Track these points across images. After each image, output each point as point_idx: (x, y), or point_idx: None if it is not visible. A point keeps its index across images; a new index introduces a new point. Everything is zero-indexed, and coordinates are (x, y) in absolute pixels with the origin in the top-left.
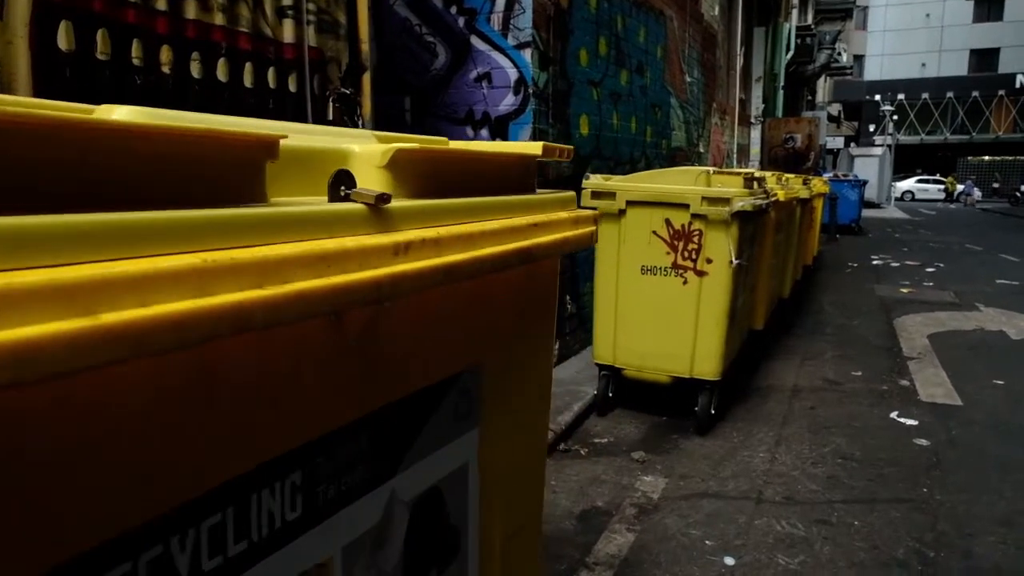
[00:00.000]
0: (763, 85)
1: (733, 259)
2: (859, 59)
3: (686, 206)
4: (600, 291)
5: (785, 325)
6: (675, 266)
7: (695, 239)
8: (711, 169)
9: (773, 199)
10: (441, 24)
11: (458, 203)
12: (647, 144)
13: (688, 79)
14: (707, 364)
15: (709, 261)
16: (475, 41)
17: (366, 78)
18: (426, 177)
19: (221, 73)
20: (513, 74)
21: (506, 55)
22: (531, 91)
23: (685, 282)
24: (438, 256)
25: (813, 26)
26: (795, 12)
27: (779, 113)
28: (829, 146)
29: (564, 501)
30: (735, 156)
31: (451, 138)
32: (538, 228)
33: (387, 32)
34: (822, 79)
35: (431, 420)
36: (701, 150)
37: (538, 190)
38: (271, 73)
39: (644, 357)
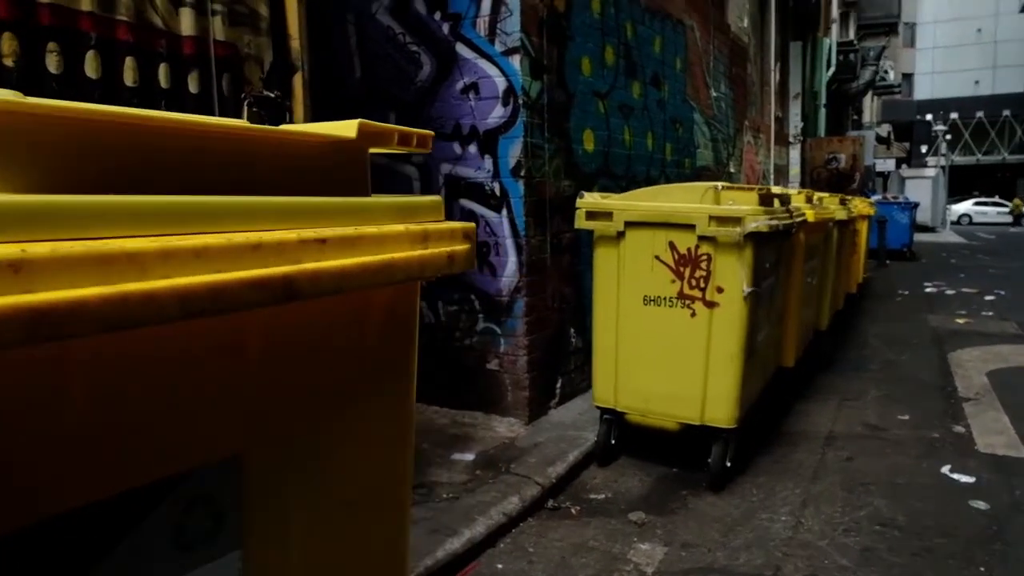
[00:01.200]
0: (802, 103)
1: (746, 288)
2: (908, 78)
3: (691, 227)
4: (599, 324)
5: (823, 361)
6: (681, 296)
7: (703, 265)
8: (719, 185)
9: (799, 219)
10: (425, 31)
11: (117, 202)
12: (667, 162)
13: (714, 94)
14: (720, 409)
15: (720, 290)
16: (460, 48)
17: (298, 80)
18: (82, 158)
19: (90, 68)
20: (501, 83)
21: (493, 63)
22: (521, 101)
23: (693, 314)
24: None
25: (856, 42)
26: (835, 27)
27: (821, 133)
28: (879, 168)
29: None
30: (772, 177)
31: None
32: (327, 246)
33: (368, 41)
34: (869, 98)
35: (119, 549)
36: (732, 170)
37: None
38: (163, 70)
39: (649, 400)
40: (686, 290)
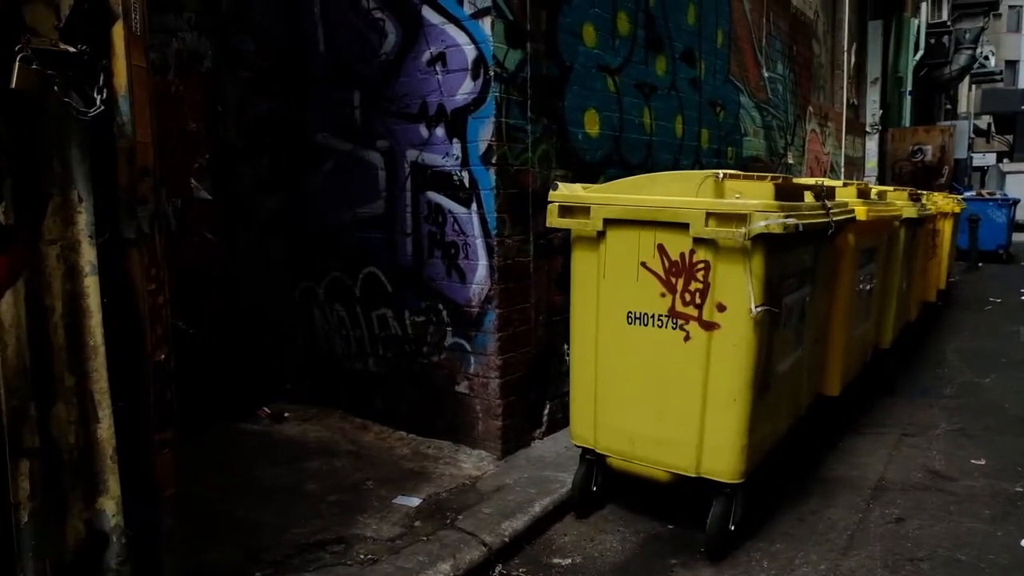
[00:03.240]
0: (883, 89)
1: (754, 306)
2: (1012, 65)
3: (684, 226)
4: (576, 346)
5: (884, 384)
6: (673, 314)
7: (699, 275)
8: (721, 172)
9: (843, 217)
10: None
11: None
12: (702, 151)
13: (767, 74)
14: (720, 460)
15: (721, 308)
16: (427, 13)
17: (118, 31)
18: None
19: None
20: (470, 52)
21: (462, 28)
22: (492, 74)
23: (687, 337)
24: None
25: (949, 23)
26: (925, 6)
27: (906, 122)
28: (976, 163)
29: None
30: (842, 170)
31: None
32: None
33: (333, 9)
34: (965, 86)
35: None
36: (791, 161)
37: None
38: None
39: (633, 442)
40: (678, 307)
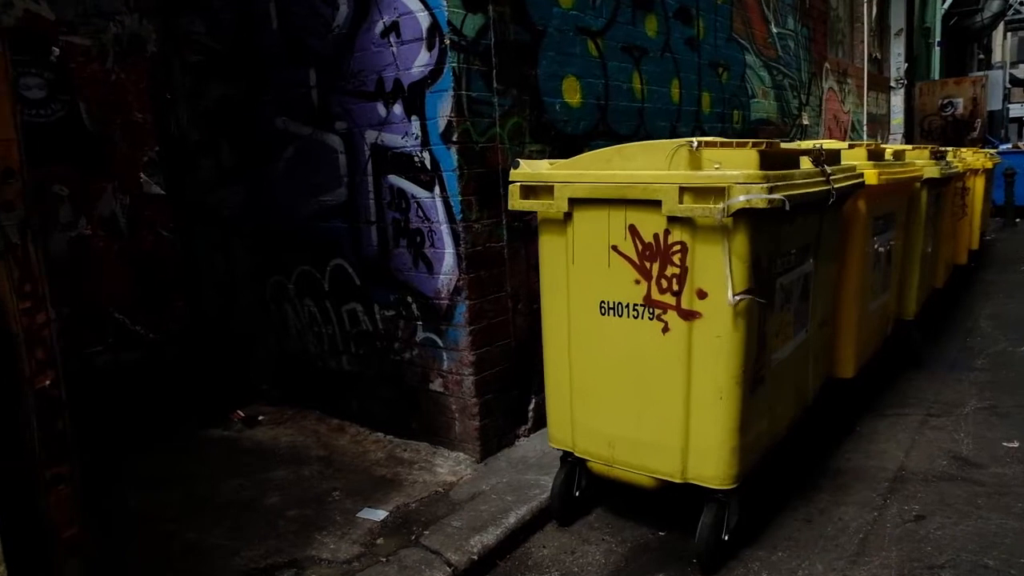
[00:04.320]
0: (908, 41)
1: (730, 295)
2: None
3: (657, 204)
4: (548, 339)
5: (909, 355)
6: (648, 302)
7: (675, 258)
8: (696, 140)
9: (848, 183)
10: None
11: None
12: (703, 116)
13: (776, 30)
14: (709, 464)
15: (702, 295)
16: None
17: None
18: None
19: None
20: (424, 20)
21: None
22: (449, 42)
23: (665, 328)
24: None
25: None
26: None
27: (935, 75)
28: (1014, 114)
29: None
30: (864, 129)
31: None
32: None
33: None
34: (1000, 34)
35: None
36: (806, 122)
37: None
38: None
39: (613, 445)
40: (655, 294)
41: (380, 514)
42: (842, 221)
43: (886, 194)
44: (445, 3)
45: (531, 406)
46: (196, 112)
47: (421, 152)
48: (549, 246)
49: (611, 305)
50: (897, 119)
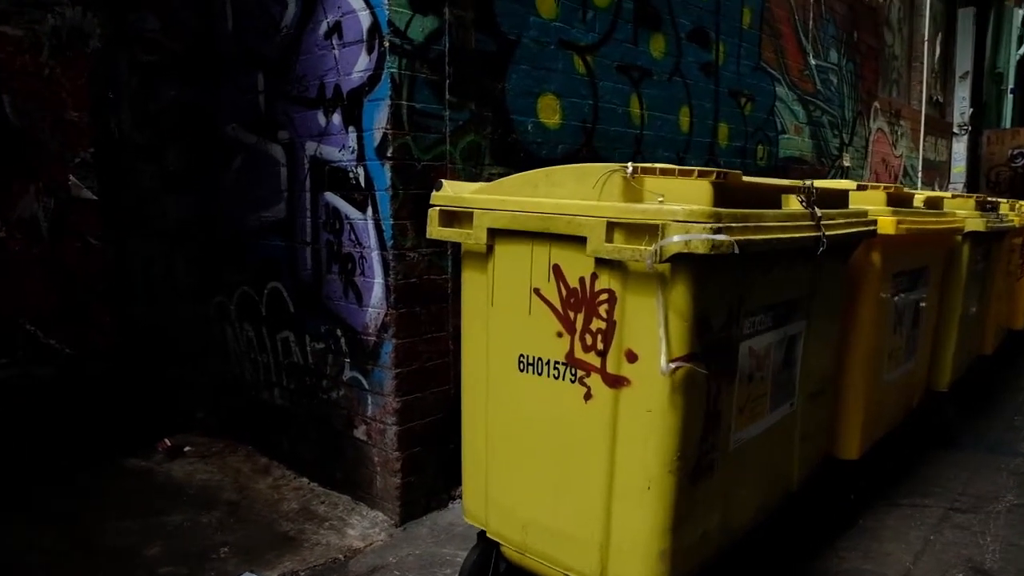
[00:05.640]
0: (976, 85)
1: (664, 361)
2: None
3: (583, 240)
4: (467, 395)
5: (940, 432)
6: (571, 360)
7: (602, 309)
8: (631, 166)
9: (853, 229)
10: None
11: None
12: (719, 149)
13: (815, 62)
14: (633, 567)
15: (632, 358)
16: None
17: None
18: None
19: None
20: (365, 19)
21: None
22: (388, 44)
23: (588, 395)
24: None
25: None
26: None
27: (1006, 123)
28: None
29: None
30: (918, 175)
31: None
32: None
33: None
34: None
35: None
36: (846, 163)
37: None
38: None
39: (527, 530)
40: (578, 352)
41: None
42: (849, 274)
43: (912, 246)
44: (387, 1)
45: None
46: (143, 114)
47: (356, 167)
48: (470, 284)
49: (531, 360)
50: (959, 167)
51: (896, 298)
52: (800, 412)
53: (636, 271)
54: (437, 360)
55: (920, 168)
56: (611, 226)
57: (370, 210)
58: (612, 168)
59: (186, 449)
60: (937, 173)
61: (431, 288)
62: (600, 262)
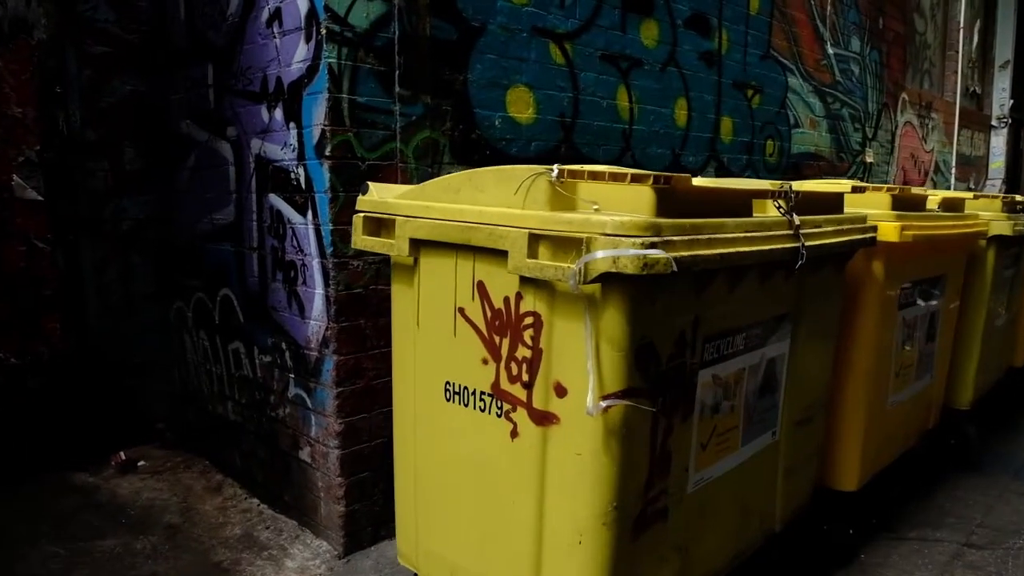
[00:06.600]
0: (1016, 75)
1: (592, 399)
2: None
3: (503, 255)
4: (397, 423)
5: (960, 455)
6: (497, 391)
7: (527, 335)
8: (557, 168)
9: (845, 237)
10: None
11: None
12: (721, 144)
13: (833, 51)
14: None
15: (561, 392)
16: None
17: None
18: None
19: None
20: (303, 5)
21: None
22: (325, 32)
23: (515, 432)
24: None
25: None
26: None
27: None
28: None
29: None
30: (952, 171)
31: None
32: None
33: None
34: None
35: None
36: (869, 159)
37: None
38: None
39: (456, 574)
40: (503, 382)
41: None
42: (844, 287)
43: (925, 253)
44: None
45: None
46: (95, 110)
47: (297, 167)
48: (399, 300)
49: (457, 389)
50: (997, 163)
51: (905, 311)
52: (784, 442)
53: (564, 292)
54: (385, 377)
55: (954, 164)
56: (534, 239)
57: (310, 214)
58: (537, 171)
59: (140, 463)
60: (973, 169)
61: (378, 299)
62: (525, 280)
